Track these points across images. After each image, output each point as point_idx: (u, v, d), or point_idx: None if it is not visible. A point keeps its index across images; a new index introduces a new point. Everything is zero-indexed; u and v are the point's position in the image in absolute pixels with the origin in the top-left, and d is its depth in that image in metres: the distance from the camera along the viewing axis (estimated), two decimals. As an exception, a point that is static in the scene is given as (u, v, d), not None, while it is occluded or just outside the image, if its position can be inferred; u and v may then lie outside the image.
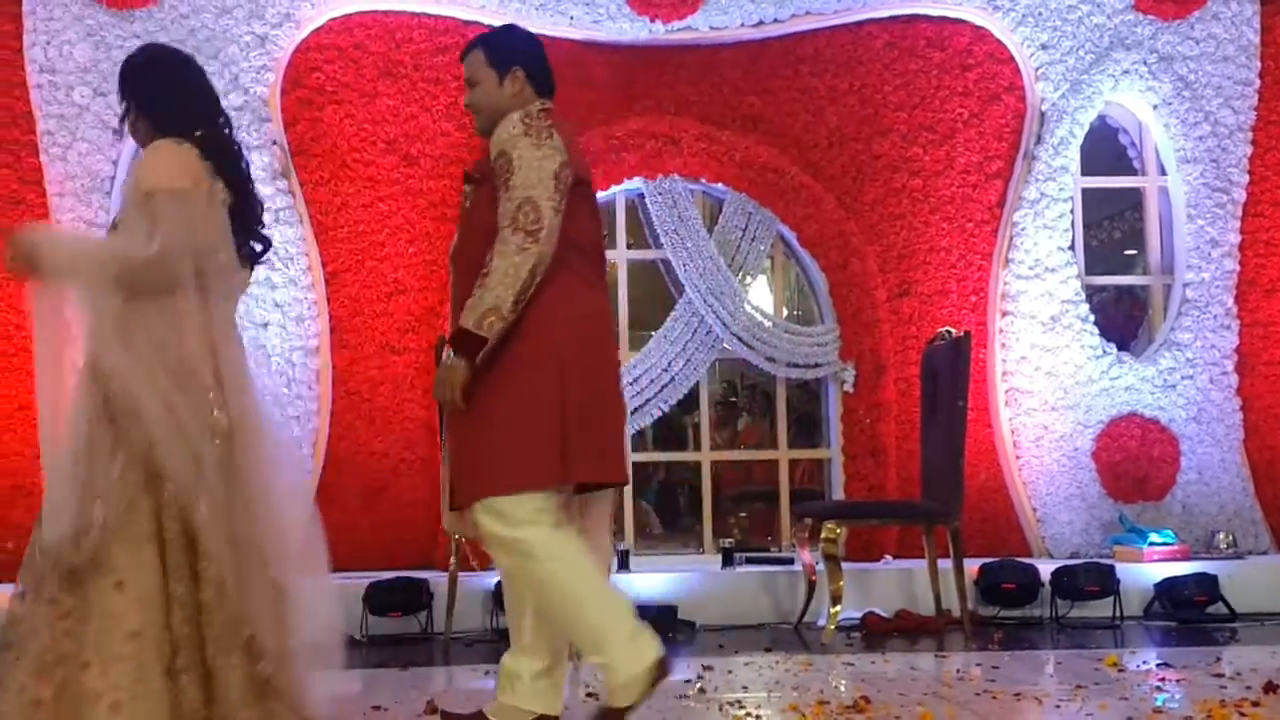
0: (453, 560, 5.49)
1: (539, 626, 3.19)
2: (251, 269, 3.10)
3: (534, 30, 6.55)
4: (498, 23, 6.63)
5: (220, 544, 2.65)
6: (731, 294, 6.62)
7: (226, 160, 2.94)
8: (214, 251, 2.83)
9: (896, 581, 5.96)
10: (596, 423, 3.09)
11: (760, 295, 7.20)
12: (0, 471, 6.21)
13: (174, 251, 2.71)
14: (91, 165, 6.36)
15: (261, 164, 6.40)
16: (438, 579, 5.70)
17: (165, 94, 2.95)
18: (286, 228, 6.43)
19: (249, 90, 6.47)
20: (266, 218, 6.47)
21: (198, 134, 2.88)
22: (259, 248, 3.09)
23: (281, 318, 6.40)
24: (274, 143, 6.46)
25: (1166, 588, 5.82)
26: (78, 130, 6.36)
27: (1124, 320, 7.48)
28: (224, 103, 6.36)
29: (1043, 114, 6.78)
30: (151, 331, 2.75)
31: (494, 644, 5.50)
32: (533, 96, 3.17)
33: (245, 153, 3.07)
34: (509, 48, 3.23)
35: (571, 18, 6.69)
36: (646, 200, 6.77)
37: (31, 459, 6.20)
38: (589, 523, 3.27)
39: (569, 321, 3.09)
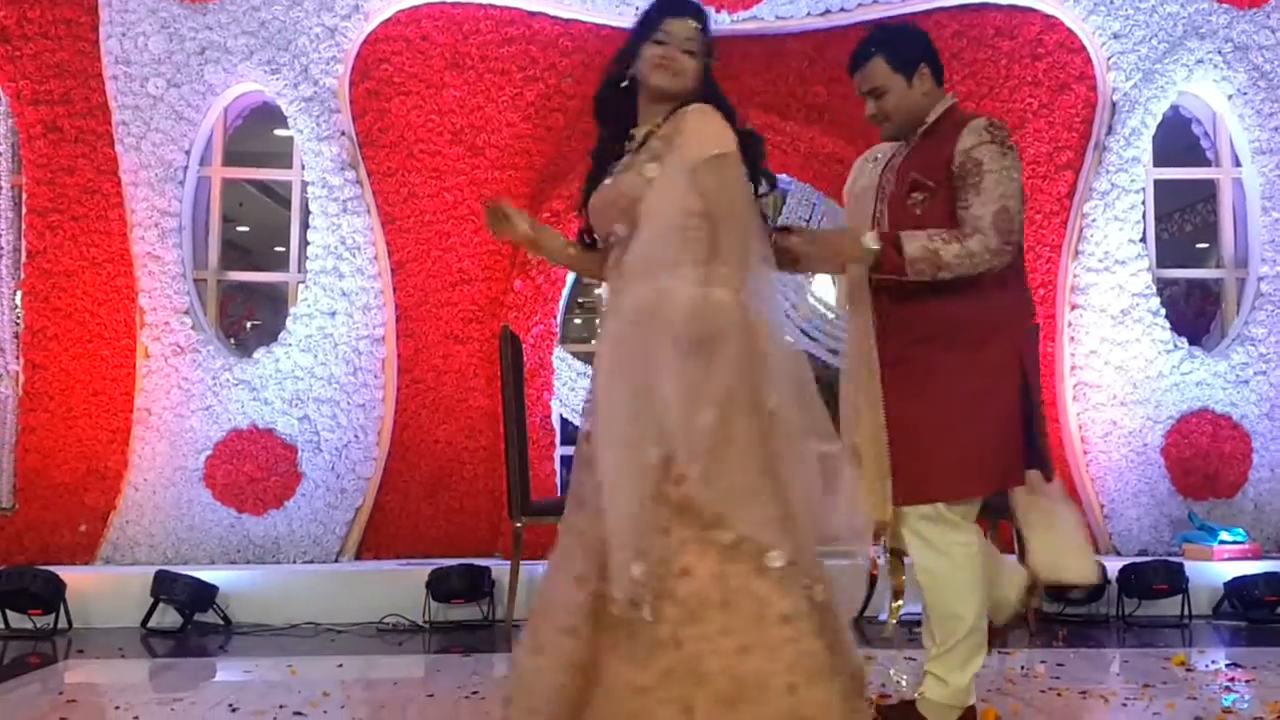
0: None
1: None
2: None
3: (598, 21, 6.74)
4: (564, 14, 6.73)
5: None
6: (795, 285, 6.60)
7: None
8: None
9: (960, 576, 5.89)
10: (1041, 428, 3.23)
11: (824, 287, 7.16)
12: (75, 456, 6.34)
13: None
14: (165, 155, 6.47)
15: (330, 155, 6.49)
16: (500, 567, 5.75)
17: None
18: (354, 218, 6.50)
19: (318, 82, 6.54)
20: (334, 208, 6.69)
21: None
22: None
23: (349, 306, 6.48)
24: (342, 133, 6.53)
25: (1236, 587, 5.72)
26: (152, 121, 6.46)
27: (1195, 314, 7.36)
28: (294, 94, 6.59)
29: (1114, 104, 6.68)
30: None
31: (555, 632, 5.53)
32: (937, 90, 3.24)
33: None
34: (909, 46, 3.25)
35: (636, 7, 6.64)
36: (710, 191, 6.75)
37: (106, 443, 6.34)
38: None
39: (1026, 330, 3.24)
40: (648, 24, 2.90)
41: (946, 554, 3.12)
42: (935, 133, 3.20)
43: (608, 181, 2.89)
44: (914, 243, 3.01)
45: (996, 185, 3.02)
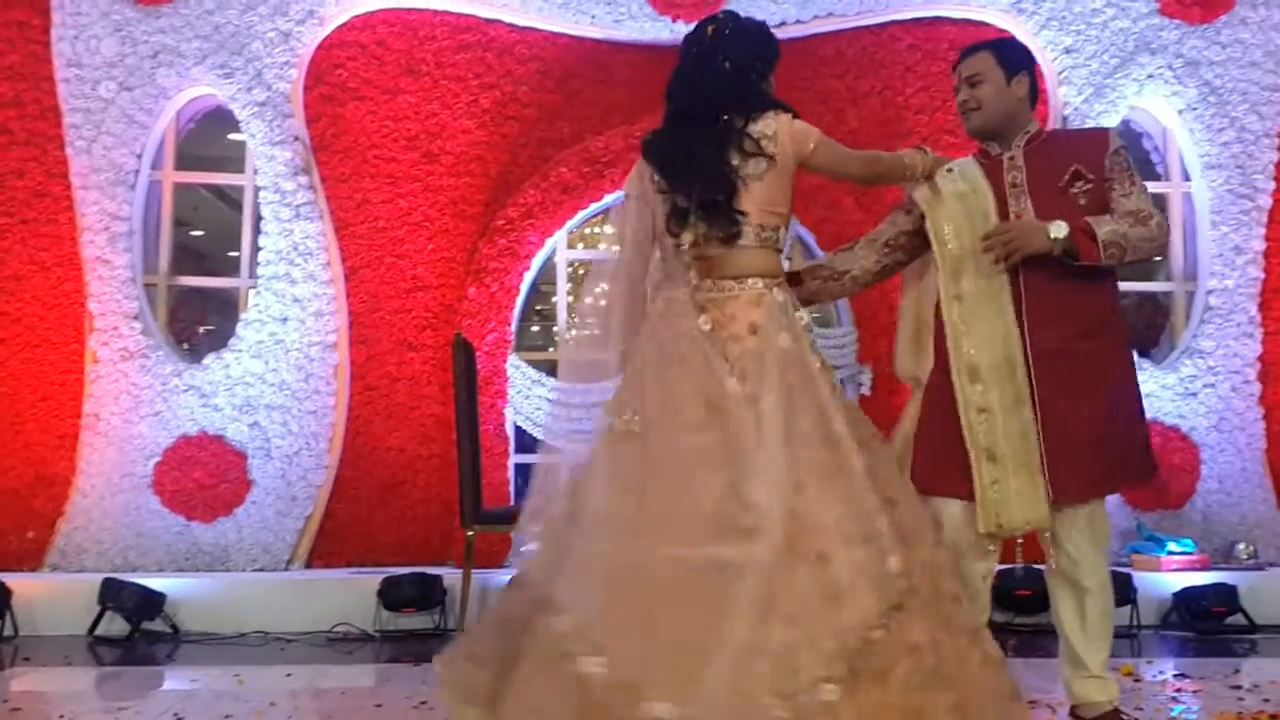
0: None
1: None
2: None
3: (554, 29, 6.75)
4: (521, 22, 6.72)
5: None
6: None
7: None
8: None
9: (912, 586, 5.92)
10: None
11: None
12: (22, 461, 6.26)
13: None
14: (116, 159, 6.40)
15: (283, 160, 6.45)
16: (452, 575, 5.71)
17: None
18: (307, 223, 6.46)
19: (272, 86, 6.50)
20: (286, 213, 6.64)
21: None
22: None
23: (300, 312, 6.43)
24: (296, 138, 6.49)
25: (1185, 597, 5.77)
26: (103, 124, 6.40)
27: (1145, 327, 7.42)
28: (247, 98, 6.54)
29: (1065, 118, 6.74)
30: None
31: (507, 641, 5.51)
32: (1028, 105, 3.34)
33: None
34: (1018, 54, 3.37)
35: (593, 17, 6.70)
36: (668, 201, 6.76)
37: (53, 449, 6.26)
38: None
39: None
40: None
41: (1104, 550, 3.23)
42: (1058, 140, 3.39)
43: None
44: (1104, 227, 3.10)
45: (1141, 187, 3.27)
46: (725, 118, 2.95)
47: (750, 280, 2.93)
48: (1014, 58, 3.33)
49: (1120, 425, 3.20)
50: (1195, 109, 6.80)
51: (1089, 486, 3.17)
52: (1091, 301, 3.21)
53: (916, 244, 3.42)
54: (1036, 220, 3.15)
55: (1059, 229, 3.08)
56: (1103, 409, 3.17)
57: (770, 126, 2.94)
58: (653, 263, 3.06)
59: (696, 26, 3.09)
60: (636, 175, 3.08)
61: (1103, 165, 3.24)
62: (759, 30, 3.10)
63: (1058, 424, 3.12)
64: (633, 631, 2.56)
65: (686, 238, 2.95)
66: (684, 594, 2.58)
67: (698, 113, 2.98)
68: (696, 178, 2.93)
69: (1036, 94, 3.36)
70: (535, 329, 9.85)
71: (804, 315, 2.94)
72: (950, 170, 3.31)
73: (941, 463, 3.19)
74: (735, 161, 2.93)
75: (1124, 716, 3.30)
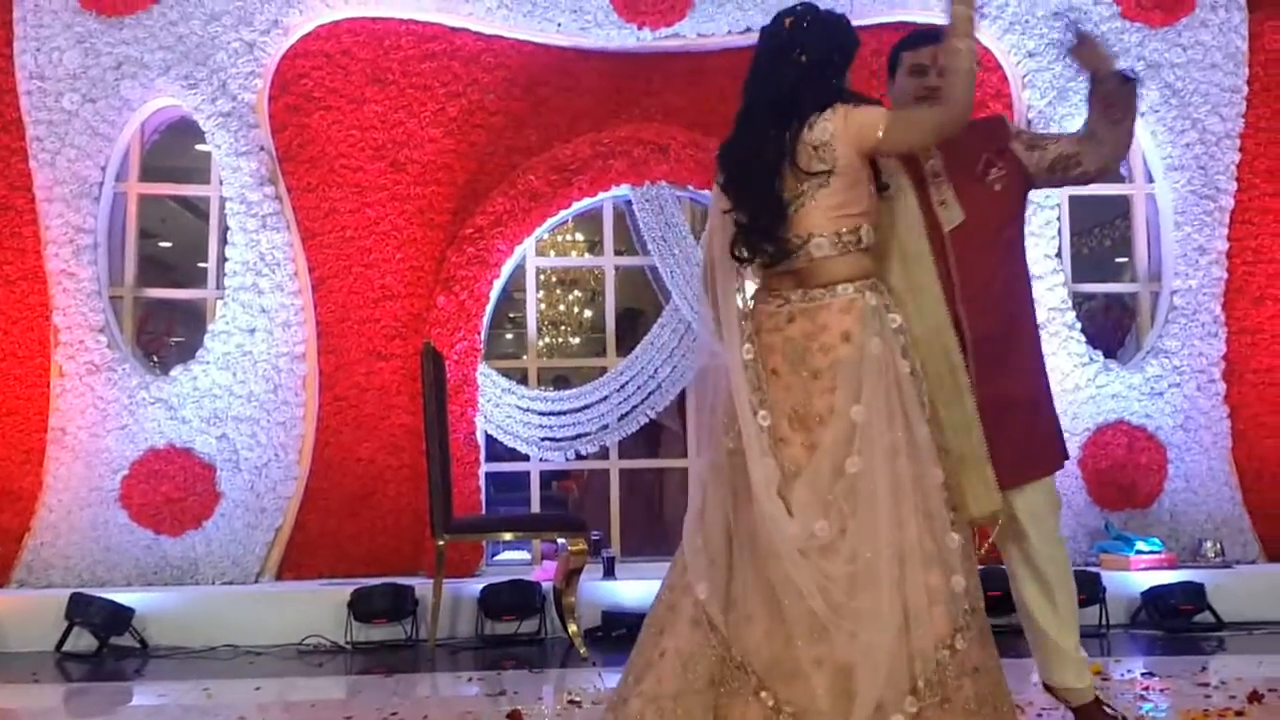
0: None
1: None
2: None
3: (520, 37, 6.74)
4: (487, 30, 6.72)
5: None
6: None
7: None
8: None
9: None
10: None
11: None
12: (-13, 477, 6.21)
13: None
14: (80, 171, 6.36)
15: (249, 170, 6.43)
16: (423, 586, 5.69)
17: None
18: (274, 233, 6.43)
19: (237, 97, 6.47)
20: (253, 223, 6.61)
21: None
22: None
23: (268, 323, 6.40)
24: (261, 149, 6.46)
25: (1153, 596, 5.81)
26: (66, 136, 6.36)
27: (1111, 328, 7.47)
28: (212, 109, 6.51)
29: (1030, 121, 6.79)
30: None
31: (479, 650, 5.51)
32: None
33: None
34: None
35: (559, 24, 6.70)
36: (634, 207, 6.79)
37: (19, 464, 6.21)
38: None
39: None
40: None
41: (1057, 531, 3.24)
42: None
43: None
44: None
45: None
46: (790, 123, 2.86)
47: (840, 287, 2.84)
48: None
49: (1044, 406, 3.29)
50: (1157, 111, 6.85)
51: (1021, 470, 3.14)
52: (1014, 285, 3.28)
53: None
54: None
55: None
56: (1031, 390, 3.24)
57: (827, 130, 2.82)
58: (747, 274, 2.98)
59: (774, 19, 3.00)
60: (717, 189, 3.01)
61: (1006, 144, 3.27)
62: (839, 22, 2.99)
63: (994, 408, 3.07)
64: (759, 629, 2.66)
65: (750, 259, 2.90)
66: (790, 606, 2.64)
67: (764, 115, 2.89)
68: (747, 201, 2.88)
69: None
70: (509, 336, 9.85)
71: (896, 318, 2.86)
72: None
73: None
74: (791, 179, 2.84)
75: (1106, 708, 3.33)
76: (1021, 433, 3.15)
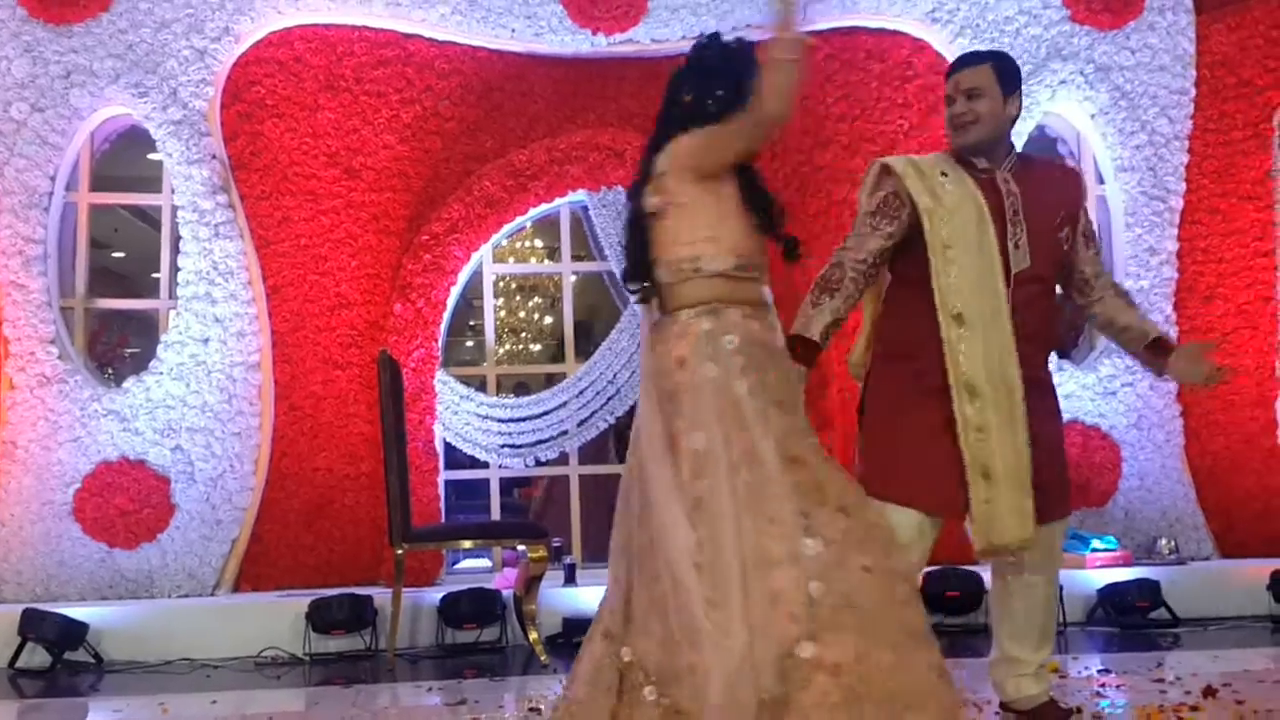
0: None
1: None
2: None
3: (475, 43, 6.72)
4: (440, 36, 6.69)
5: None
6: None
7: None
8: None
9: (843, 591, 5.95)
10: None
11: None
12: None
13: None
14: (29, 181, 6.28)
15: (201, 179, 6.37)
16: (382, 595, 5.66)
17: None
18: (227, 242, 6.38)
19: (188, 105, 6.41)
20: (205, 232, 6.55)
21: None
22: None
23: (222, 333, 6.34)
24: (213, 157, 6.40)
25: (1109, 594, 5.87)
26: (15, 146, 6.27)
27: (1066, 328, 7.53)
28: (162, 116, 6.44)
29: (979, 127, 6.83)
30: None
31: (439, 660, 5.47)
32: (1009, 128, 3.38)
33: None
34: (1015, 72, 3.38)
35: (513, 30, 6.68)
36: (591, 213, 6.79)
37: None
38: None
39: None
40: (748, 72, 2.94)
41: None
42: (1040, 169, 3.42)
43: None
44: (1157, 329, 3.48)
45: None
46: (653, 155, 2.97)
47: (682, 313, 2.91)
48: (1012, 75, 3.34)
49: (1067, 449, 3.51)
50: (1107, 113, 6.92)
51: (1064, 504, 3.38)
52: (1054, 330, 3.44)
53: (899, 246, 3.35)
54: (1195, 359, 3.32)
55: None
56: (1061, 432, 3.45)
57: (661, 163, 2.93)
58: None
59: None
60: None
61: (1079, 213, 3.39)
62: (733, 53, 3.01)
63: (1042, 445, 3.24)
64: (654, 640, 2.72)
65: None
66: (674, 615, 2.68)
67: (648, 146, 3.03)
68: (626, 228, 3.06)
69: (1019, 114, 3.41)
70: (470, 344, 9.81)
71: (734, 339, 2.86)
72: (945, 175, 3.29)
73: (932, 479, 3.21)
74: (647, 208, 2.96)
75: (1061, 705, 3.38)
76: (1060, 470, 3.36)
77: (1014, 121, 3.36)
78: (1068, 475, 3.40)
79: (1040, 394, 3.28)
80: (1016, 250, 3.23)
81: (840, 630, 2.61)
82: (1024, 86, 6.66)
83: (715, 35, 3.08)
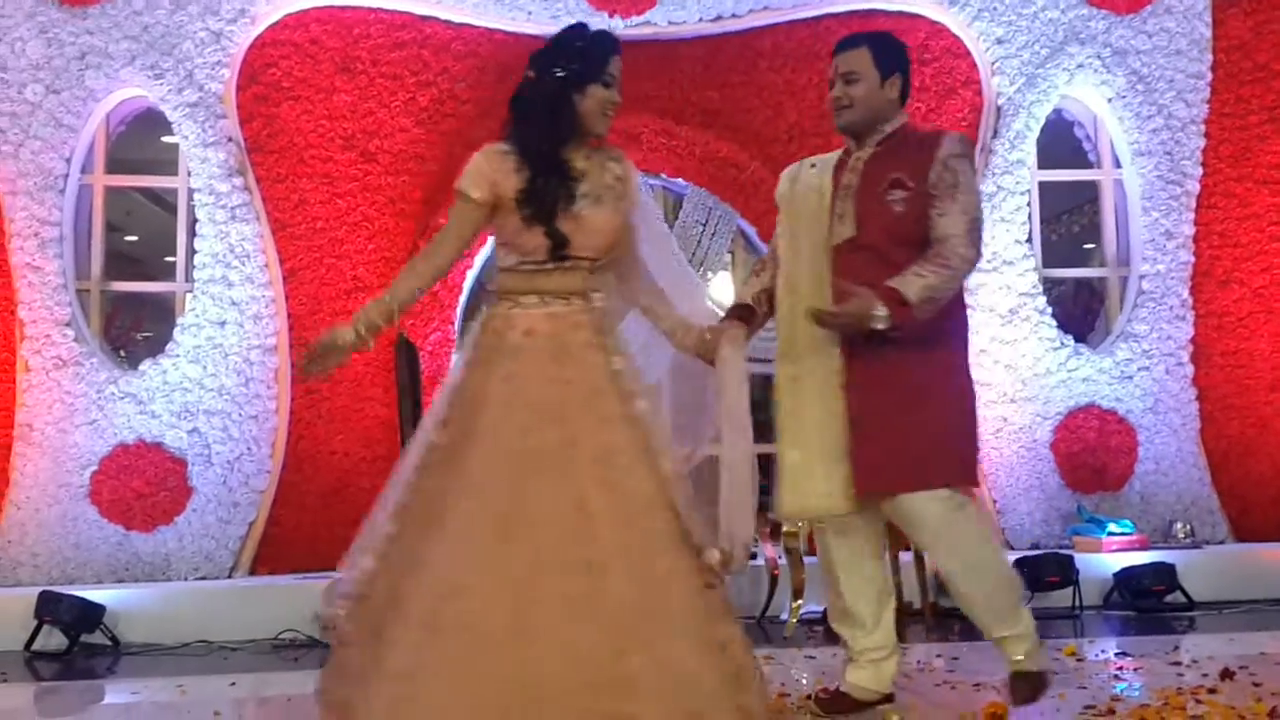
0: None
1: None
2: None
3: (490, 25, 6.70)
4: (457, 18, 6.68)
5: None
6: (692, 289, 6.61)
7: None
8: None
9: (858, 574, 5.95)
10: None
11: (721, 291, 7.20)
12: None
13: None
14: (44, 163, 6.29)
15: (217, 161, 6.37)
16: (399, 578, 5.65)
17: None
18: (243, 225, 6.38)
19: (204, 87, 6.41)
20: (221, 215, 6.55)
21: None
22: None
23: (239, 316, 6.35)
24: (229, 139, 6.40)
25: (1125, 577, 5.87)
26: (30, 128, 6.28)
27: (1081, 312, 7.53)
28: (178, 99, 6.43)
29: (999, 108, 6.82)
30: None
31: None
32: (899, 104, 3.33)
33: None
34: (893, 53, 3.33)
35: (529, 13, 6.67)
36: (606, 195, 6.76)
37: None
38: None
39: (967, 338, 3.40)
40: (595, 59, 2.94)
41: (953, 533, 3.21)
42: (902, 141, 3.30)
43: (588, 207, 2.92)
44: (912, 288, 3.08)
45: (969, 200, 3.18)
46: None
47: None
48: (890, 58, 3.30)
49: (928, 426, 3.19)
50: (1124, 97, 6.90)
51: (905, 477, 3.19)
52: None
53: None
54: (864, 305, 3.07)
55: (882, 310, 3.05)
56: (912, 400, 3.19)
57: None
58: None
59: None
60: None
61: (928, 175, 3.19)
62: (582, 39, 2.99)
63: (870, 415, 3.19)
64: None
65: None
66: None
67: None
68: None
69: (907, 94, 3.34)
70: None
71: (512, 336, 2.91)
72: (814, 166, 3.40)
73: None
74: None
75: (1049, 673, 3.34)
76: (901, 440, 3.18)
77: (898, 103, 3.30)
78: (921, 446, 3.16)
79: (880, 363, 3.16)
80: (841, 222, 3.26)
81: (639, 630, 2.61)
82: (1041, 70, 6.68)
83: (583, 25, 3.07)
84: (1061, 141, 7.19)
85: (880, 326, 3.05)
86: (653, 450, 2.79)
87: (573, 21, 2.78)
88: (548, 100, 2.94)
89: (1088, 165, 7.23)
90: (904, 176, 3.21)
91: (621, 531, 2.64)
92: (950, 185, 3.17)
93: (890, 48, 3.34)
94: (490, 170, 2.93)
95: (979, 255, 3.20)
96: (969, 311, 3.47)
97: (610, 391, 2.82)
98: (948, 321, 3.23)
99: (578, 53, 2.94)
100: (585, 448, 2.72)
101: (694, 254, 6.71)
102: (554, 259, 2.91)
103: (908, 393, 3.18)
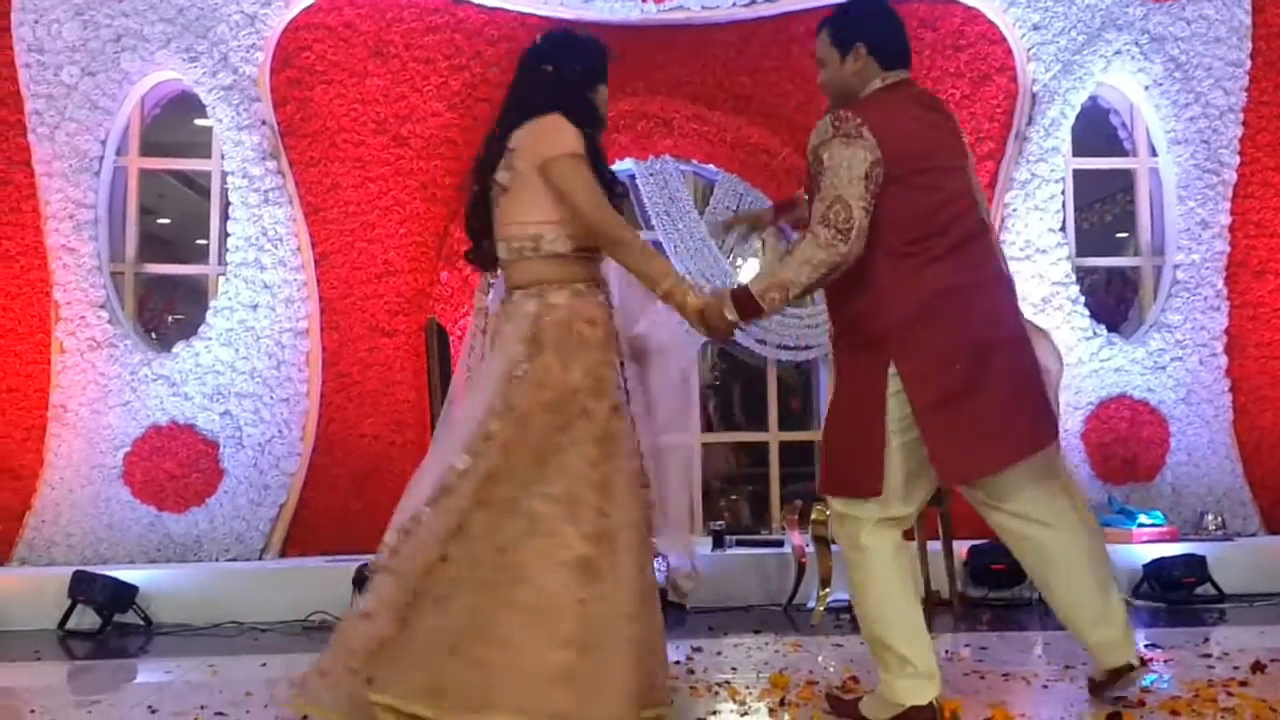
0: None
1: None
2: None
3: (523, 9, 6.69)
4: (490, 2, 6.68)
5: None
6: (722, 276, 6.61)
7: None
8: None
9: (886, 563, 5.94)
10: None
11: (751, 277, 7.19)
12: (-11, 454, 6.19)
13: None
14: (80, 145, 6.33)
15: (251, 144, 6.40)
16: (428, 561, 5.68)
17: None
18: (276, 209, 6.40)
19: (238, 70, 6.43)
20: (254, 198, 6.58)
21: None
22: None
23: (271, 299, 6.38)
24: (263, 123, 6.43)
25: (1155, 569, 5.83)
26: (66, 110, 6.32)
27: (1114, 302, 7.48)
28: (212, 82, 6.46)
29: (1034, 95, 6.77)
30: None
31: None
32: (877, 71, 3.20)
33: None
34: (848, 25, 3.24)
35: (562, -1, 6.66)
36: (638, 181, 6.76)
37: (20, 441, 6.20)
38: None
39: (912, 333, 3.06)
40: (600, 59, 3.13)
41: (850, 550, 3.19)
42: None
43: None
44: (759, 281, 3.03)
45: (831, 181, 2.99)
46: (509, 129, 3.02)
47: (517, 293, 3.02)
48: (847, 31, 3.22)
49: (834, 434, 3.21)
50: (1161, 85, 6.83)
51: (824, 485, 3.26)
52: (843, 307, 3.17)
53: None
54: (718, 303, 3.04)
55: (730, 312, 3.02)
56: (834, 413, 3.23)
57: (522, 135, 2.97)
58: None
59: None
60: None
61: (808, 159, 3.14)
62: (582, 42, 3.16)
63: (826, 420, 3.29)
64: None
65: None
66: None
67: (499, 119, 3.09)
68: (470, 201, 3.13)
69: (886, 53, 3.20)
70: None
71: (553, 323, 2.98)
72: None
73: None
74: (497, 178, 3.01)
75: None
76: (825, 452, 3.27)
77: (866, 70, 3.18)
78: (828, 458, 3.20)
79: (834, 369, 3.23)
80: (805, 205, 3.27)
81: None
82: (1077, 57, 6.61)
83: (569, 28, 3.26)
84: (1095, 129, 7.13)
85: (731, 317, 3.02)
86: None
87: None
88: (575, 90, 3.04)
89: (1122, 153, 7.16)
90: (806, 173, 3.23)
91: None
92: (819, 175, 3.04)
93: (846, 21, 3.25)
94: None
95: (837, 235, 2.94)
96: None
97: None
98: (872, 318, 3.08)
99: (586, 52, 3.10)
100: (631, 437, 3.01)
101: (724, 240, 6.69)
102: (594, 247, 2.99)
103: (835, 398, 3.25)
